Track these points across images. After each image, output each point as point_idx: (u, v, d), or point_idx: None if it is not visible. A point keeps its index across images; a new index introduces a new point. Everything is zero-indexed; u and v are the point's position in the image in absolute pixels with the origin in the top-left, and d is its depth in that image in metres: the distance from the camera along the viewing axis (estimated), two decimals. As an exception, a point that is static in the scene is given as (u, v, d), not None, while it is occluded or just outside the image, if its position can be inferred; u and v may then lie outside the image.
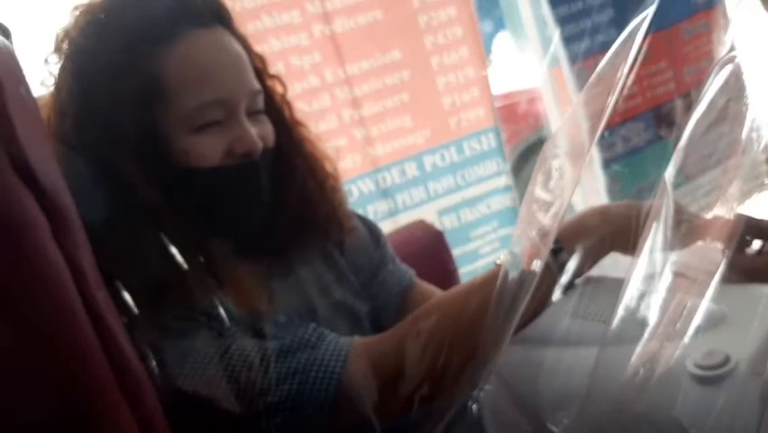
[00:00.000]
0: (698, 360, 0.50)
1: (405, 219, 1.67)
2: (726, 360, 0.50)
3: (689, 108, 0.61)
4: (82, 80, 0.69)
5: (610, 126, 1.82)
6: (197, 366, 0.63)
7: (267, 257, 0.81)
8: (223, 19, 0.73)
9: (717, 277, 0.65)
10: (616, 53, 0.65)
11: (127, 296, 0.63)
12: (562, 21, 1.76)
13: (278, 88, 0.82)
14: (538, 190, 0.65)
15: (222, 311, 0.70)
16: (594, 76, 0.65)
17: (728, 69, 0.59)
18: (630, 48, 0.64)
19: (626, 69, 0.62)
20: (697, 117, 0.59)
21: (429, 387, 0.62)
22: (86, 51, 0.69)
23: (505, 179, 1.87)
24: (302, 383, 0.63)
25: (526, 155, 2.18)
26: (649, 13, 0.66)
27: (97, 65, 0.68)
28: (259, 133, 0.73)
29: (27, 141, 0.46)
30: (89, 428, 0.43)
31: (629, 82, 0.63)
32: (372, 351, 0.66)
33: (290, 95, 0.84)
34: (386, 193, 1.75)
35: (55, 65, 0.71)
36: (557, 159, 0.66)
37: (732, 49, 0.60)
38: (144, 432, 0.46)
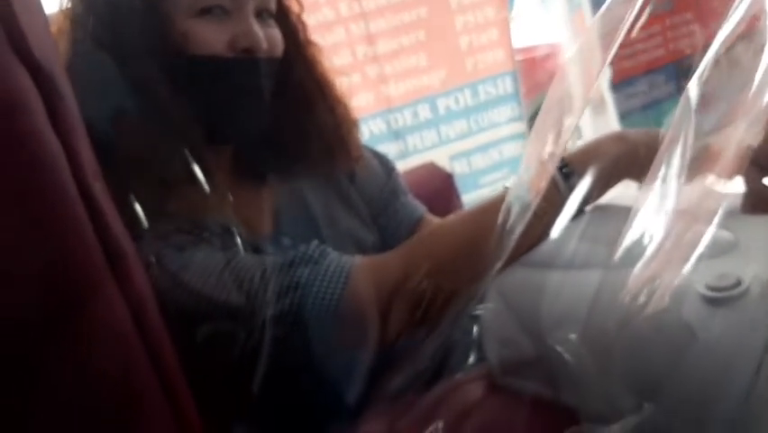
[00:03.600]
0: (709, 282, 0.49)
1: (415, 162, 1.64)
2: (738, 282, 0.48)
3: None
4: None
5: (630, 77, 1.77)
6: (198, 278, 0.62)
7: (272, 177, 0.80)
8: None
9: (730, 205, 0.64)
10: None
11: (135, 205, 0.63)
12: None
13: (295, 7, 0.80)
14: (548, 145, 0.63)
15: (223, 227, 0.70)
16: (602, 11, 0.62)
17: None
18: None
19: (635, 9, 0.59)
20: (721, 40, 0.56)
21: (429, 304, 0.61)
22: None
23: (519, 126, 1.83)
24: (304, 297, 0.62)
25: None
26: None
27: None
28: (265, 35, 0.70)
29: (26, 20, 0.44)
30: (79, 307, 0.42)
31: (638, 29, 0.60)
32: (376, 268, 0.65)
33: (304, 24, 0.82)
34: (397, 134, 1.73)
35: None
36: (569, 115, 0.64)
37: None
38: (135, 315, 0.45)
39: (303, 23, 0.80)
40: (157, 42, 0.66)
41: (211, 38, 0.67)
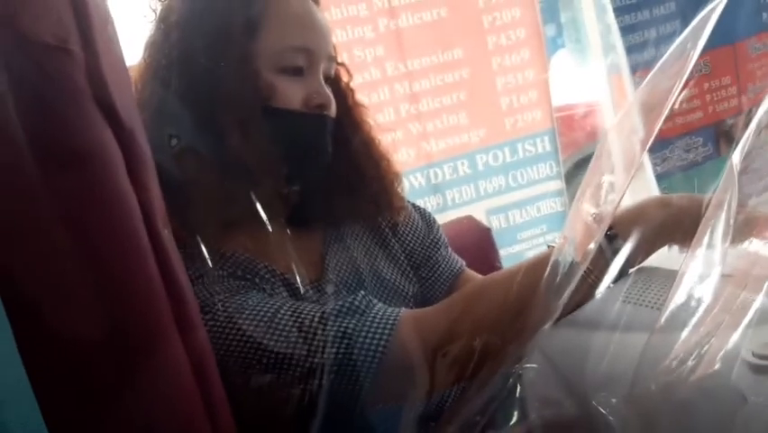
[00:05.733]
0: (755, 349, 0.49)
1: (453, 216, 1.65)
2: (785, 351, 0.49)
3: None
4: (192, 14, 0.73)
5: (668, 138, 1.78)
6: (248, 324, 0.64)
7: (320, 226, 0.83)
8: None
9: None
10: (672, 60, 0.64)
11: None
12: (626, 29, 1.73)
13: (344, 76, 0.86)
14: (586, 204, 0.64)
15: (274, 273, 0.72)
16: (647, 81, 0.64)
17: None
18: (687, 57, 0.63)
19: (681, 81, 0.61)
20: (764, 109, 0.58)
21: (474, 362, 0.62)
22: None
23: (557, 184, 1.84)
24: (349, 347, 0.63)
25: (582, 165, 2.14)
26: (710, 19, 0.64)
27: (210, 1, 0.74)
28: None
29: (111, 78, 0.48)
30: (141, 352, 0.44)
31: (681, 98, 0.62)
32: (420, 322, 0.66)
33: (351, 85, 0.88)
34: (436, 188, 1.76)
35: (161, 2, 0.76)
36: (609, 174, 0.65)
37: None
38: (194, 363, 0.47)
39: (351, 90, 0.87)
40: (247, 93, 0.71)
41: (289, 93, 0.73)
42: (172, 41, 0.72)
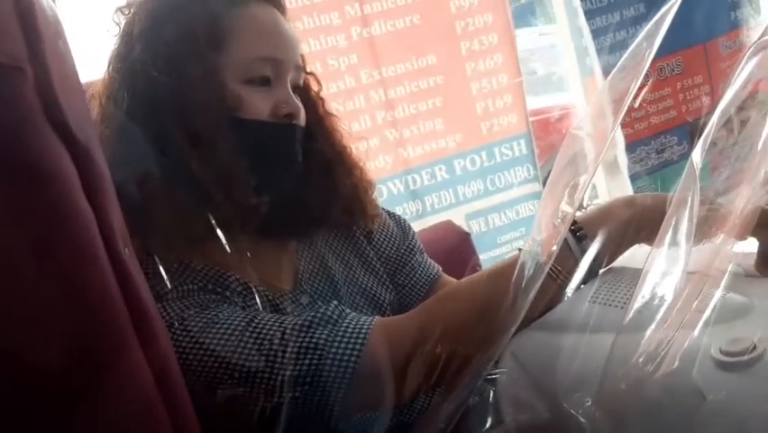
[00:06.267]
0: (723, 346, 0.49)
1: (432, 221, 1.67)
2: (753, 347, 0.49)
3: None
4: (155, 26, 0.73)
5: (643, 138, 1.80)
6: (218, 340, 0.64)
7: (293, 236, 0.82)
8: (282, 7, 0.80)
9: (744, 267, 0.64)
10: (629, 62, 0.65)
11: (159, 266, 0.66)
12: (598, 32, 1.75)
13: (314, 85, 0.86)
14: (563, 204, 0.64)
15: (245, 285, 0.72)
16: (606, 82, 0.65)
17: (762, 54, 0.58)
18: (643, 58, 0.64)
19: (638, 82, 0.62)
20: (725, 104, 0.58)
21: (444, 367, 0.61)
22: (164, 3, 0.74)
23: (535, 186, 1.86)
24: (322, 358, 0.63)
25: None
26: (665, 22, 0.65)
27: (173, 13, 0.73)
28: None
29: (63, 95, 0.47)
30: (104, 369, 0.44)
31: (652, 97, 0.63)
32: (392, 330, 0.66)
33: (325, 94, 0.88)
34: (415, 194, 1.77)
35: (125, 15, 0.75)
36: (584, 175, 0.65)
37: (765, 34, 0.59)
38: (157, 377, 0.46)
39: (321, 99, 0.87)
40: (213, 104, 0.71)
41: (256, 104, 0.73)
42: (136, 54, 0.72)
